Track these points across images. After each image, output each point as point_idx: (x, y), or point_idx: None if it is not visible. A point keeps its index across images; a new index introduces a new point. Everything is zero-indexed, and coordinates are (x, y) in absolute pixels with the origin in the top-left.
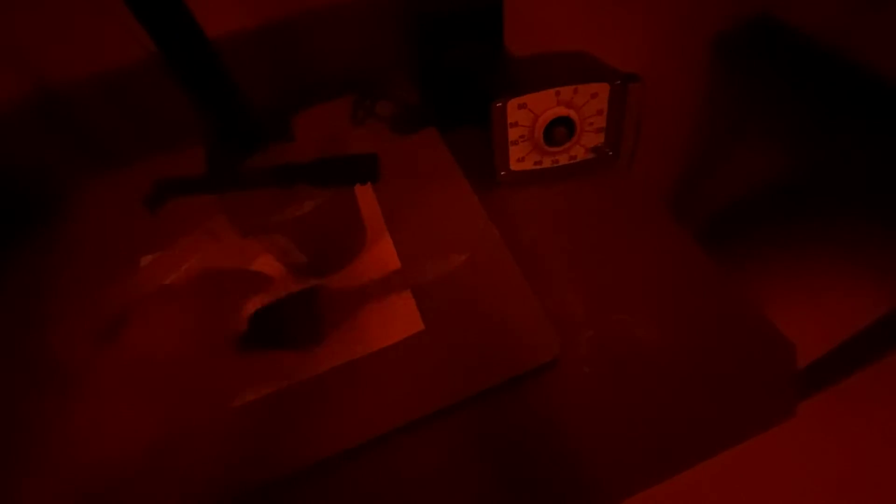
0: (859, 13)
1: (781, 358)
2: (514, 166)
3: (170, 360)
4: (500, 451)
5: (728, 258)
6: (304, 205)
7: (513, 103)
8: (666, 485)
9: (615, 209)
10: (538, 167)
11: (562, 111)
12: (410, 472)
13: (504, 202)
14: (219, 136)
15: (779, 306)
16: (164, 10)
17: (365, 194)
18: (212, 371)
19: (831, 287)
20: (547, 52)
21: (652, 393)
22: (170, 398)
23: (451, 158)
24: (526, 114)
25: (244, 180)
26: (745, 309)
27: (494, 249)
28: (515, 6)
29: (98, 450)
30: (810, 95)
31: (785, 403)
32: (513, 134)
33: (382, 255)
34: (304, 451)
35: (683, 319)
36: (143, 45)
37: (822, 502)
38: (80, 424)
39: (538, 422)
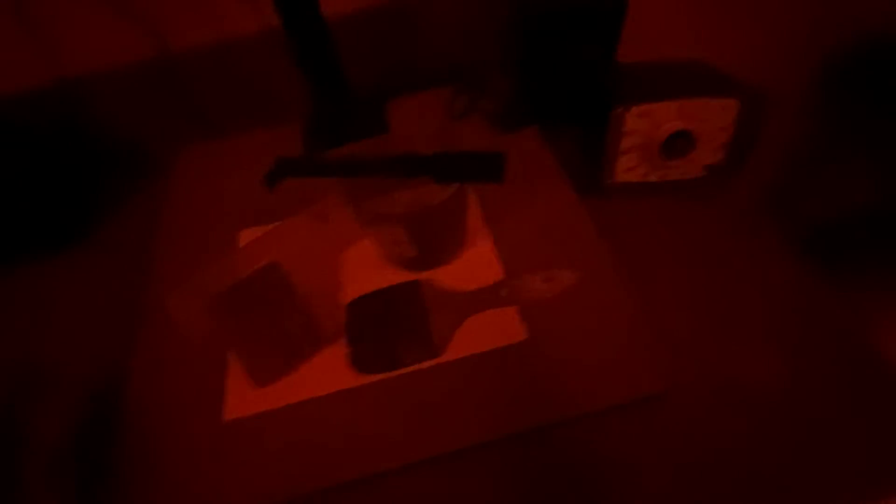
0: None
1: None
2: (620, 176)
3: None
4: (589, 480)
5: (835, 275)
6: (426, 198)
7: (634, 111)
8: None
9: (723, 229)
10: (645, 180)
11: (683, 124)
12: (489, 491)
13: (604, 213)
14: (319, 118)
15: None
16: None
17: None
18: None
19: None
20: (663, 60)
21: (756, 433)
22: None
23: (555, 161)
24: (645, 123)
25: (365, 167)
26: (866, 347)
27: (603, 266)
28: (637, 9)
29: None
30: None
31: None
32: (626, 143)
33: (483, 257)
34: (387, 450)
35: (794, 354)
36: (263, 17)
37: None
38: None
39: (630, 454)
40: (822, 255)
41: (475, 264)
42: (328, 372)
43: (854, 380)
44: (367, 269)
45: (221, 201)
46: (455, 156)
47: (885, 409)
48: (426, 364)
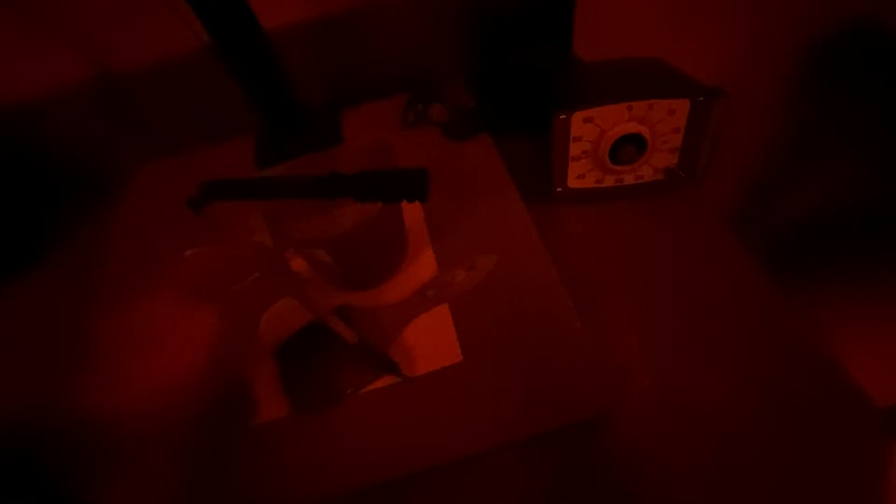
0: None
1: (856, 412)
2: (572, 183)
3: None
4: None
5: (795, 287)
6: (346, 221)
7: (578, 116)
8: None
9: (681, 236)
10: (599, 186)
11: (633, 127)
12: None
13: (557, 221)
14: (268, 132)
15: (852, 342)
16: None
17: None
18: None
19: None
20: (618, 59)
21: (714, 453)
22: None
23: (504, 169)
24: (592, 128)
25: (288, 189)
26: (824, 357)
27: (543, 273)
28: (587, 5)
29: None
30: None
31: (860, 466)
32: (575, 149)
33: (423, 269)
34: (314, 483)
35: (751, 366)
36: (196, 36)
37: None
38: None
39: (579, 478)
40: (784, 265)
41: (415, 277)
42: None
43: (812, 396)
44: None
45: (172, 221)
46: (377, 174)
47: (844, 426)
48: (369, 389)
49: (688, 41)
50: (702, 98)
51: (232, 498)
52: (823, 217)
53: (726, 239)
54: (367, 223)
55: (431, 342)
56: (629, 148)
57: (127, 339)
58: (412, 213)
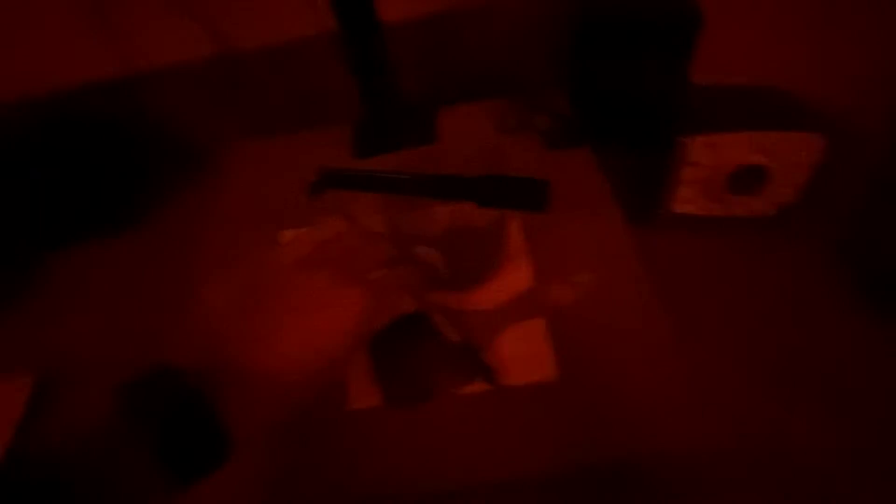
0: None
1: None
2: (678, 208)
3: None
4: None
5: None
6: (464, 219)
7: (700, 141)
8: None
9: (785, 274)
10: (705, 213)
11: (757, 159)
12: None
13: (655, 244)
14: (367, 123)
15: None
16: None
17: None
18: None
19: None
20: (739, 85)
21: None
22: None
23: (606, 184)
24: (712, 155)
25: (408, 186)
26: None
27: (644, 298)
28: (716, 27)
29: None
30: None
31: None
32: (689, 173)
33: (519, 278)
34: (389, 480)
35: (854, 422)
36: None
37: None
38: None
39: None
40: (891, 307)
41: (510, 287)
42: None
43: None
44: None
45: (266, 200)
46: (498, 180)
47: None
48: (460, 392)
49: (813, 72)
50: (838, 135)
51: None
52: None
53: (833, 278)
54: (482, 229)
55: (525, 355)
56: (750, 179)
57: (286, 306)
58: (510, 219)
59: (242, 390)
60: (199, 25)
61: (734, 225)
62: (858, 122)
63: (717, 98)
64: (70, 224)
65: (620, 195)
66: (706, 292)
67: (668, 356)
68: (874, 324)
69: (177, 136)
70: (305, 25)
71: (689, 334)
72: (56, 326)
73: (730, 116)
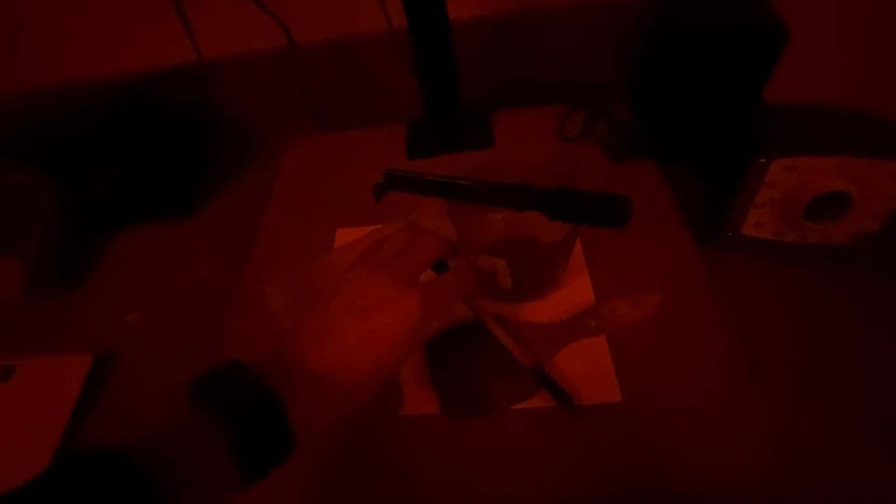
0: None
1: None
2: (747, 230)
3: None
4: None
5: None
6: (530, 228)
7: (780, 162)
8: None
9: (861, 307)
10: (777, 239)
11: (841, 185)
12: None
13: (721, 268)
14: (425, 123)
15: None
16: None
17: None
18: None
19: None
20: (820, 103)
21: None
22: None
23: (671, 202)
24: (791, 177)
25: (477, 193)
26: None
27: (714, 322)
28: (799, 44)
29: None
30: None
31: None
32: (763, 195)
33: (578, 294)
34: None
35: None
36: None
37: None
38: None
39: None
40: None
41: (568, 303)
42: None
43: None
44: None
45: (323, 195)
46: (576, 194)
47: None
48: (518, 407)
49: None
50: None
51: (365, 483)
52: None
53: None
54: (554, 244)
55: (586, 374)
56: (830, 205)
57: (340, 307)
58: None
59: (301, 390)
60: (268, 17)
61: (806, 252)
62: None
63: (798, 118)
64: (135, 206)
65: (686, 212)
66: (775, 320)
67: (735, 386)
68: None
69: (240, 126)
70: (373, 21)
71: (757, 363)
72: (114, 308)
73: (814, 139)
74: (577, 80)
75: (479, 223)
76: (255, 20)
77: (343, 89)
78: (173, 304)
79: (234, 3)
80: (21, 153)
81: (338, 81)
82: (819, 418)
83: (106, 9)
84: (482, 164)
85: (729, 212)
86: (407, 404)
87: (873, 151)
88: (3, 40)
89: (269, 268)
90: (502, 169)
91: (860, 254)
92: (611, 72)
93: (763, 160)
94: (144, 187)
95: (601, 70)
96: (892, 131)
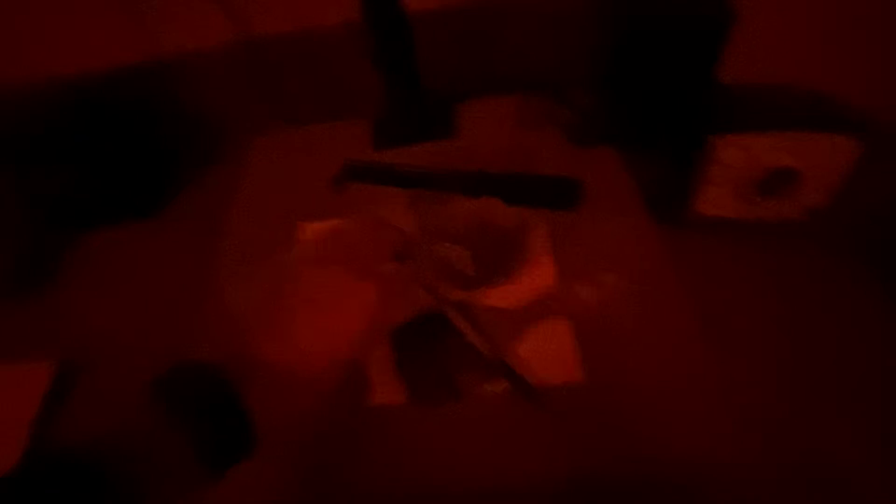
0: None
1: None
2: (706, 210)
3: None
4: None
5: None
6: (490, 216)
7: (732, 142)
8: None
9: (816, 280)
10: (734, 217)
11: (789, 161)
12: None
13: (682, 247)
14: (389, 115)
15: None
16: None
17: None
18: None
19: None
20: (769, 84)
21: None
22: None
23: (632, 185)
24: (744, 156)
25: (433, 180)
26: None
27: (674, 302)
28: (747, 25)
29: None
30: None
31: None
32: (718, 175)
33: (541, 277)
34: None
35: (889, 434)
36: (345, 9)
37: None
38: None
39: None
40: None
41: (532, 287)
42: None
43: None
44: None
45: (288, 191)
46: (528, 178)
47: None
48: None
49: (847, 73)
50: (873, 139)
51: (335, 473)
52: None
53: (866, 287)
54: (513, 228)
55: (549, 356)
56: (780, 181)
57: (295, 301)
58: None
59: (263, 383)
60: (225, 12)
61: (763, 229)
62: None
63: (749, 98)
64: (97, 208)
65: (647, 195)
66: (734, 297)
67: (696, 362)
68: None
69: (203, 123)
70: (332, 15)
71: (717, 339)
72: (79, 313)
73: (762, 117)
74: (540, 69)
75: (440, 213)
76: (213, 15)
77: (308, 84)
78: (141, 306)
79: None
80: None
81: (303, 76)
82: (777, 390)
83: (59, 8)
84: (439, 152)
85: (687, 192)
86: (376, 395)
87: (817, 127)
88: None
89: (234, 265)
90: (460, 156)
91: (812, 227)
92: (572, 59)
93: (716, 139)
94: (107, 188)
95: (563, 58)
96: (837, 107)
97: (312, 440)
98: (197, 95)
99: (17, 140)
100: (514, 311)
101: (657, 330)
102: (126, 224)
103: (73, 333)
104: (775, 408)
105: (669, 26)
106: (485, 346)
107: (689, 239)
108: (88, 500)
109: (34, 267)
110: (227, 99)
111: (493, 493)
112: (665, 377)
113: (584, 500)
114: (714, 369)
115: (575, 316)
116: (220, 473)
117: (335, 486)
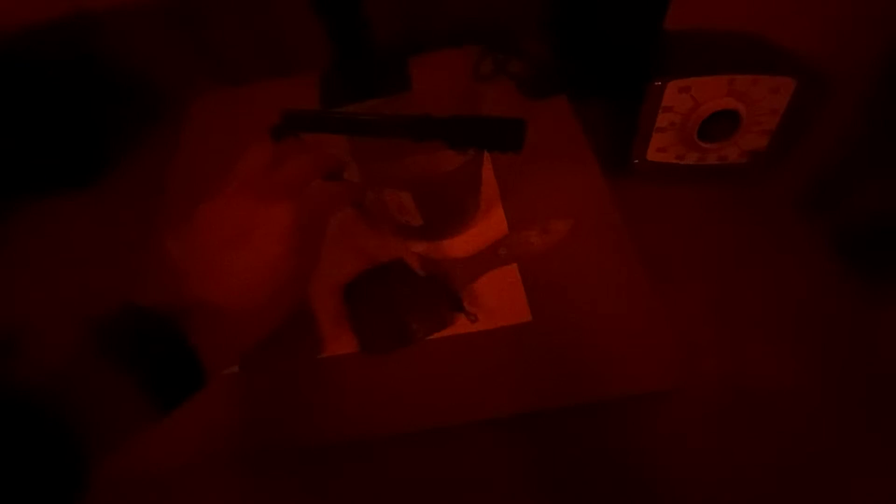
0: None
1: None
2: (652, 156)
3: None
4: (577, 473)
5: (869, 279)
6: (438, 164)
7: (674, 85)
8: None
9: (756, 221)
10: (679, 162)
11: (730, 103)
12: (474, 472)
13: (629, 193)
14: (337, 71)
15: None
16: None
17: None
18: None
19: None
20: (714, 29)
21: (774, 440)
22: None
23: (582, 134)
24: (686, 99)
25: (375, 126)
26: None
27: (618, 244)
28: None
29: None
30: None
31: None
32: (663, 119)
33: (493, 226)
34: (358, 422)
35: (817, 360)
36: None
37: None
38: None
39: (627, 451)
40: (859, 258)
41: (485, 233)
42: None
43: (876, 392)
44: (351, 237)
45: (229, 150)
46: (472, 120)
47: None
48: (436, 336)
49: (786, 16)
50: (809, 80)
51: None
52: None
53: (802, 227)
54: (454, 171)
55: (500, 300)
56: (722, 125)
57: (216, 237)
58: (484, 169)
59: (202, 322)
60: None
61: (709, 174)
62: (832, 69)
63: (692, 43)
64: (29, 176)
65: (598, 144)
66: (679, 239)
67: (641, 299)
68: (839, 271)
69: (141, 83)
70: None
71: (662, 279)
72: (16, 283)
73: (705, 62)
74: (491, 20)
75: (384, 166)
76: None
77: (249, 39)
78: (79, 279)
79: None
80: None
81: (240, 31)
82: (714, 320)
83: None
84: (390, 106)
85: (633, 139)
86: (327, 346)
87: (757, 69)
88: None
89: (175, 219)
90: (410, 109)
91: (754, 171)
92: (523, 9)
93: (658, 83)
94: (35, 155)
95: (514, 8)
96: (776, 51)
97: (264, 393)
98: (132, 53)
99: None
100: (466, 259)
101: (603, 271)
102: (63, 193)
103: (10, 312)
104: (711, 335)
105: None
106: (419, 265)
107: (638, 185)
108: (34, 443)
109: None
110: (162, 57)
111: (444, 430)
112: (611, 313)
113: (532, 429)
114: (657, 303)
115: (523, 259)
116: (166, 413)
117: (288, 437)
